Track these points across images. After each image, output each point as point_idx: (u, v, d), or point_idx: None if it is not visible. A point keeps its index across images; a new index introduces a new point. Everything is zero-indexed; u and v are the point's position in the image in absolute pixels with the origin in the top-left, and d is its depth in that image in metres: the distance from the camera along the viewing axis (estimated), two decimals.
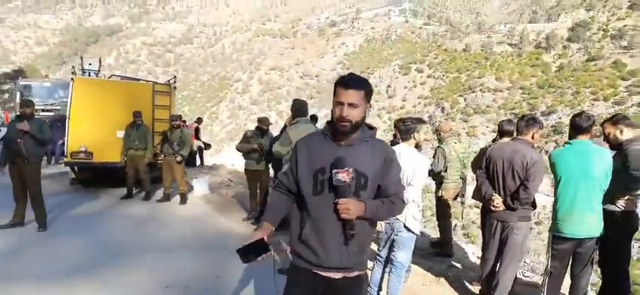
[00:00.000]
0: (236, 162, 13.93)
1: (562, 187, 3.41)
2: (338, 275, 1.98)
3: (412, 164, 3.54)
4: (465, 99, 65.37)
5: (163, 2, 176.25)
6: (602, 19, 67.75)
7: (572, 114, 3.78)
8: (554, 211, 3.48)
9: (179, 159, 8.20)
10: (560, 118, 48.44)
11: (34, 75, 46.07)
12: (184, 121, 15.03)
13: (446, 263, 5.50)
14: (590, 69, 56.77)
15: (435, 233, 6.89)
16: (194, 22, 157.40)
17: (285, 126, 5.80)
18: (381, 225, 3.68)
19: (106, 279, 4.26)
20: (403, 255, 3.63)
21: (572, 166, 3.36)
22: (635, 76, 49.88)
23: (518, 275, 4.60)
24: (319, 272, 1.99)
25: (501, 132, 4.26)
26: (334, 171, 1.84)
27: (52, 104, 15.55)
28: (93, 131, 8.84)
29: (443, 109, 65.21)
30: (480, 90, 65.30)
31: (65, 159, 8.97)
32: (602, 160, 3.30)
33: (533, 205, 3.71)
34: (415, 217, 3.58)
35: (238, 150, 7.08)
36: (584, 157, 3.33)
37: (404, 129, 3.71)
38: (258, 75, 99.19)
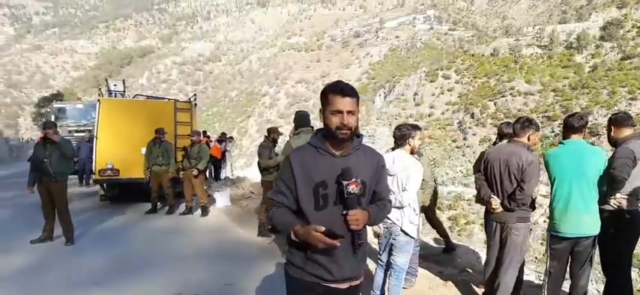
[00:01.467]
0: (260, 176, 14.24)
1: (556, 187, 3.42)
2: (345, 286, 2.00)
3: (407, 169, 3.61)
4: (495, 104, 64.04)
5: (192, 22, 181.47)
6: (636, 16, 65.33)
7: (609, 115, 3.76)
8: (551, 211, 3.48)
9: (195, 172, 8.43)
10: (596, 119, 46.84)
11: (71, 98, 48.25)
12: (208, 136, 15.49)
13: (458, 269, 5.49)
14: (625, 67, 54.70)
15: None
16: (222, 40, 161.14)
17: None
18: (379, 228, 3.75)
19: (122, 289, 4.48)
20: (402, 259, 3.69)
21: (566, 166, 3.36)
22: None
23: (525, 277, 4.56)
24: (328, 285, 1.98)
25: (501, 135, 4.27)
26: (345, 183, 1.83)
27: (85, 125, 16.28)
28: (119, 149, 9.25)
29: (472, 115, 64.08)
30: (511, 94, 63.88)
31: (93, 177, 9.40)
32: (596, 159, 3.29)
33: (532, 206, 3.71)
34: (412, 221, 3.64)
35: (264, 167, 6.88)
36: (578, 157, 3.33)
37: (399, 135, 3.79)
38: (285, 89, 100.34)
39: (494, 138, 4.92)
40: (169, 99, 10.64)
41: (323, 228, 1.82)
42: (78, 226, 6.93)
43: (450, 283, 4.59)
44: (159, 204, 9.10)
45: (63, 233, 6.31)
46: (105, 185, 9.91)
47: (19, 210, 8.60)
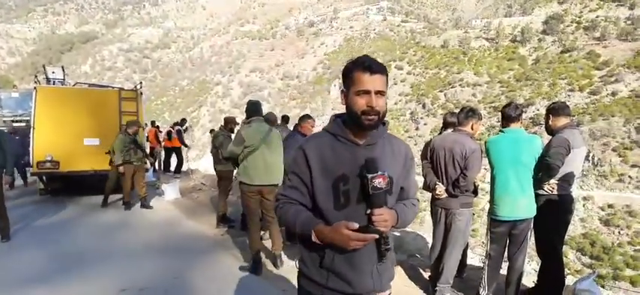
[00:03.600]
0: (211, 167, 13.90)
1: (496, 172, 3.59)
2: None
3: None
4: (445, 95, 66.23)
5: (138, 7, 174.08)
6: (575, 11, 69.40)
7: (547, 105, 3.90)
8: (491, 195, 3.65)
9: (148, 165, 8.15)
10: (537, 110, 49.48)
11: (7, 86, 45.10)
12: (157, 127, 14.96)
13: (407, 253, 5.64)
14: (565, 60, 58.15)
15: None
16: (171, 27, 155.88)
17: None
18: None
19: (63, 287, 4.26)
20: None
21: (504, 153, 3.53)
22: (609, 66, 51.25)
23: (469, 261, 4.77)
24: None
25: (445, 124, 4.42)
26: (370, 176, 1.51)
27: (21, 115, 15.29)
28: (59, 140, 8.76)
29: (424, 105, 66.01)
30: (460, 85, 66.27)
31: (31, 170, 8.85)
32: (532, 146, 3.49)
33: (475, 192, 3.87)
34: None
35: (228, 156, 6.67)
36: (515, 144, 3.50)
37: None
38: (239, 78, 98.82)
39: None
40: (114, 88, 10.17)
41: (356, 225, 1.49)
42: (15, 221, 6.53)
43: (398, 267, 4.71)
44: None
45: None
46: (44, 178, 9.37)
47: None
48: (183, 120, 15.02)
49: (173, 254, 5.45)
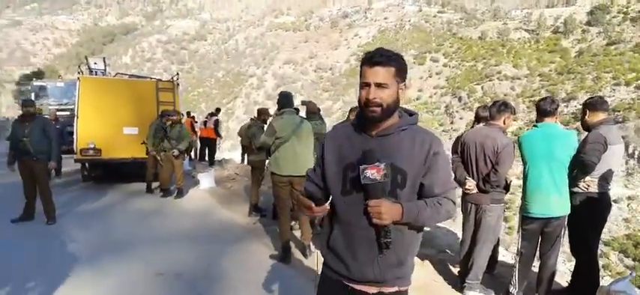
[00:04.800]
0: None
1: (528, 168, 3.52)
2: (373, 290, 1.71)
3: None
4: (482, 88, 64.59)
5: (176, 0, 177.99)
6: (622, 1, 66.01)
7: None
8: (523, 192, 3.59)
9: (175, 153, 8.38)
10: (580, 104, 47.67)
11: (53, 76, 47.28)
12: (193, 117, 15.33)
13: (437, 249, 5.61)
14: (610, 53, 55.49)
15: None
16: (207, 19, 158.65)
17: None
18: None
19: (104, 268, 4.50)
20: None
21: (537, 148, 3.46)
22: None
23: (501, 258, 4.70)
24: (350, 285, 1.73)
25: (478, 118, 4.35)
26: (361, 167, 1.56)
27: (66, 103, 16.00)
28: (100, 128, 9.15)
29: (460, 99, 64.59)
30: (498, 78, 64.45)
31: (75, 157, 9.30)
32: (567, 142, 3.39)
33: (506, 188, 3.80)
34: None
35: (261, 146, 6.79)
36: (549, 139, 3.42)
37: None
38: (273, 69, 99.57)
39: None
40: (152, 79, 10.51)
41: (308, 187, 1.77)
42: (60, 206, 6.90)
43: (427, 262, 4.70)
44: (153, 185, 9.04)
45: (44, 212, 6.27)
46: (87, 165, 9.82)
47: (1, 189, 8.49)
48: (218, 110, 15.32)
49: (207, 241, 5.63)
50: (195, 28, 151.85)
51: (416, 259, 4.80)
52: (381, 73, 1.60)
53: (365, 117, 1.66)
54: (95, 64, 11.04)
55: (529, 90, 59.40)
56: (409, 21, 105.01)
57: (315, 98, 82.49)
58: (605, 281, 3.85)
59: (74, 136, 9.15)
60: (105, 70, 11.36)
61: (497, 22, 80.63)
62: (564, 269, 4.92)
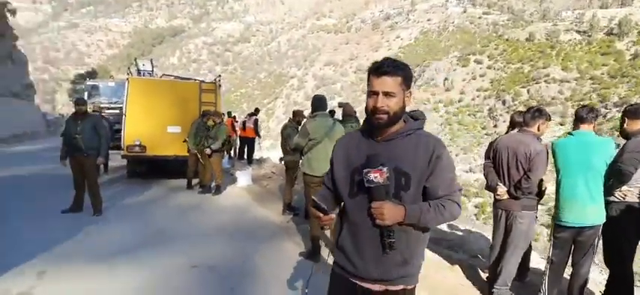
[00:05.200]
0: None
1: (562, 176, 3.44)
2: (378, 288, 1.77)
3: None
4: (528, 91, 62.42)
5: (222, 2, 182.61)
6: None
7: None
8: (556, 200, 3.51)
9: (208, 151, 8.62)
10: None
11: (105, 76, 49.71)
12: (234, 117, 15.72)
13: (469, 254, 5.54)
14: None
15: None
16: (251, 21, 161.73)
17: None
18: None
19: (145, 259, 4.75)
20: None
21: (572, 156, 3.37)
22: None
23: (534, 265, 4.59)
24: (357, 283, 1.80)
25: (512, 124, 4.27)
26: (365, 170, 1.64)
27: (116, 102, 16.81)
28: (146, 126, 9.60)
29: (504, 102, 62.64)
30: (545, 81, 62.09)
31: (122, 153, 9.79)
32: (603, 150, 3.29)
33: (539, 195, 3.73)
34: None
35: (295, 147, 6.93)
36: (584, 147, 3.33)
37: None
38: (313, 71, 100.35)
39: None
40: (195, 80, 10.91)
41: (316, 199, 1.80)
42: (106, 199, 7.32)
43: (456, 267, 4.67)
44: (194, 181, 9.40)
45: (92, 204, 6.67)
46: (132, 161, 10.31)
47: (52, 182, 9.07)
48: (257, 110, 15.64)
49: (241, 237, 5.81)
50: (240, 30, 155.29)
51: (445, 263, 4.79)
52: (388, 82, 1.68)
53: (372, 124, 1.74)
54: (143, 65, 11.59)
55: (578, 93, 56.84)
56: (453, 22, 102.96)
57: (355, 99, 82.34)
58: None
59: (121, 133, 9.64)
60: (152, 71, 11.89)
61: (547, 23, 77.55)
62: (601, 279, 4.73)
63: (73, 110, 6.80)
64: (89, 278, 4.14)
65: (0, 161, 11.96)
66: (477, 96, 70.25)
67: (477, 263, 5.02)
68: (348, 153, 1.84)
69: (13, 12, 36.14)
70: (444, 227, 7.08)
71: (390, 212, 1.63)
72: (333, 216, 1.78)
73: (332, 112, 5.09)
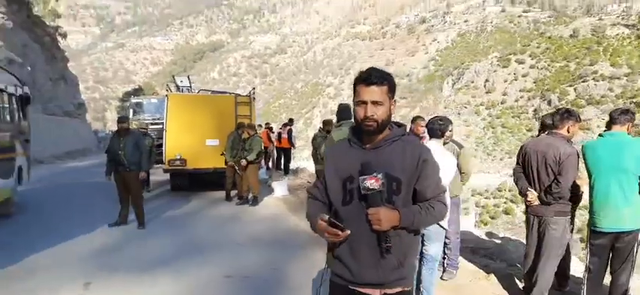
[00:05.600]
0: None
1: (594, 180, 3.32)
2: (376, 292, 1.81)
3: (441, 160, 3.66)
4: (575, 90, 59.93)
5: (258, 16, 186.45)
6: None
7: None
8: (590, 205, 3.39)
9: (243, 163, 8.82)
10: None
11: (150, 92, 51.76)
12: (270, 128, 16.01)
13: (507, 263, 5.41)
14: None
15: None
16: (287, 32, 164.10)
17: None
18: None
19: (184, 269, 4.94)
20: (434, 248, 3.76)
21: (604, 158, 3.26)
22: None
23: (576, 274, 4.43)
24: (356, 289, 1.83)
25: (543, 127, 4.17)
26: (361, 178, 1.69)
27: (158, 118, 17.52)
28: (186, 140, 9.96)
29: (549, 102, 60.30)
30: (593, 78, 59.44)
31: (164, 167, 10.20)
32: (636, 150, 3.16)
33: (574, 199, 3.62)
34: None
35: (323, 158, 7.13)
36: (616, 149, 3.21)
37: (432, 127, 3.84)
38: (349, 79, 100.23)
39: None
40: (230, 94, 11.23)
41: (327, 216, 1.76)
42: (150, 212, 7.67)
43: (492, 276, 4.57)
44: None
45: (136, 218, 7.00)
46: (174, 174, 10.71)
47: (101, 196, 9.57)
48: (291, 120, 15.84)
49: (275, 246, 5.94)
50: (276, 42, 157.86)
51: (481, 272, 4.70)
52: (376, 92, 1.74)
53: (362, 132, 1.81)
54: (181, 81, 12.07)
55: (631, 90, 54.03)
56: (491, 22, 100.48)
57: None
58: None
59: (163, 148, 10.05)
60: (190, 86, 12.35)
61: (592, 18, 74.24)
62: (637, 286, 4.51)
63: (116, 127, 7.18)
64: (131, 289, 4.36)
65: (53, 176, 12.74)
66: (521, 98, 68.15)
67: (515, 271, 4.88)
68: (337, 163, 1.88)
69: (64, 35, 38.48)
70: (482, 235, 6.95)
71: (386, 217, 1.68)
72: (349, 232, 1.75)
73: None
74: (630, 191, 3.18)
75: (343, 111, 4.97)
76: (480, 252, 5.86)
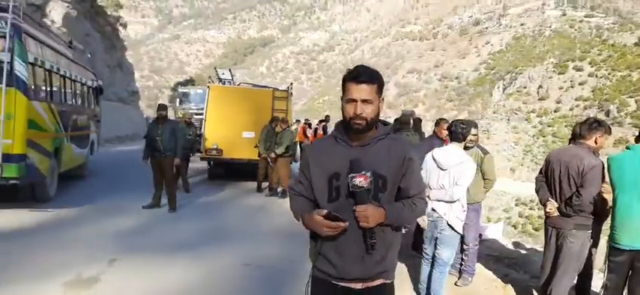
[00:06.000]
0: None
1: (617, 194, 3.14)
2: (359, 286, 1.85)
3: (461, 164, 3.60)
4: (636, 101, 56.18)
5: (309, 13, 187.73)
6: None
7: None
8: (612, 220, 3.22)
9: (272, 155, 8.97)
10: None
11: (202, 84, 53.48)
12: (308, 123, 16.19)
13: (530, 274, 5.21)
14: None
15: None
16: (337, 30, 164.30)
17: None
18: (424, 220, 3.77)
19: (204, 254, 5.12)
20: (446, 252, 3.70)
21: (628, 172, 3.07)
22: None
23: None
24: (339, 283, 1.86)
25: (574, 136, 3.97)
26: (350, 175, 1.69)
27: (202, 108, 18.10)
28: (223, 131, 10.27)
29: (608, 113, 56.85)
30: None
31: (201, 155, 10.55)
32: None
33: (600, 214, 3.44)
34: (458, 216, 3.63)
35: None
36: None
37: (454, 130, 3.77)
38: (395, 79, 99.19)
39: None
40: (269, 88, 11.44)
41: (325, 211, 1.74)
42: (183, 198, 7.99)
43: (509, 286, 4.44)
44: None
45: (168, 201, 7.30)
46: (211, 163, 11.07)
47: (140, 179, 10.02)
48: (327, 117, 15.94)
49: (295, 239, 5.95)
50: (325, 39, 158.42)
51: (499, 281, 4.57)
52: (366, 90, 1.75)
53: (351, 130, 1.79)
54: (223, 74, 12.42)
55: None
56: (550, 26, 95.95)
57: (439, 108, 79.97)
58: None
59: (202, 137, 10.41)
60: (232, 79, 12.69)
61: None
62: None
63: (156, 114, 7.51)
64: (152, 268, 4.58)
65: (101, 158, 13.38)
66: (576, 107, 64.69)
67: (535, 284, 4.70)
68: (323, 159, 1.87)
69: (125, 25, 40.55)
70: (508, 245, 6.73)
71: (373, 214, 1.70)
72: (348, 223, 1.74)
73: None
74: None
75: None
76: (504, 261, 5.68)
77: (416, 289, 4.25)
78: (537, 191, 3.73)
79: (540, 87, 70.59)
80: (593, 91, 64.16)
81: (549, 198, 3.55)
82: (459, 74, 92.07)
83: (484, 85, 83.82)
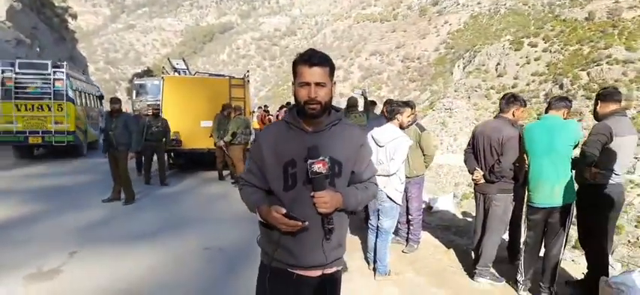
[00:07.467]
0: None
1: (530, 159, 3.55)
2: (317, 273, 1.84)
3: (395, 141, 3.90)
4: (588, 74, 58.95)
5: None
6: None
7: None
8: (527, 182, 3.62)
9: (221, 143, 9.10)
10: None
11: (158, 74, 52.12)
12: (267, 111, 16.29)
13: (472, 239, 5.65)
14: None
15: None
16: (297, 14, 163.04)
17: None
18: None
19: (162, 241, 5.27)
20: (388, 222, 4.02)
21: (538, 140, 3.48)
22: None
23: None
24: (295, 272, 1.83)
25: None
26: (309, 162, 1.66)
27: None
28: (181, 122, 10.25)
29: (561, 86, 59.51)
30: (607, 62, 58.38)
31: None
32: (566, 133, 3.37)
33: (515, 179, 3.84)
34: (397, 189, 3.94)
35: None
36: (549, 131, 3.43)
37: (389, 110, 4.08)
38: (359, 61, 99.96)
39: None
40: (225, 77, 11.48)
41: (283, 210, 1.69)
42: (143, 189, 8.01)
43: (451, 250, 4.83)
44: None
45: (124, 194, 7.34)
46: (172, 154, 11.06)
47: (100, 174, 9.95)
48: (288, 103, 16.04)
49: (255, 223, 6.18)
50: (286, 24, 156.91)
51: (442, 247, 4.96)
52: (319, 73, 1.72)
53: (305, 114, 1.76)
54: (177, 64, 12.32)
55: None
56: (505, 5, 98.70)
57: (402, 88, 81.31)
58: (614, 273, 3.73)
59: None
60: (187, 69, 12.61)
61: (608, 0, 72.62)
62: (577, 259, 4.74)
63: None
64: (113, 257, 4.69)
65: (58, 155, 13.09)
66: (532, 82, 67.26)
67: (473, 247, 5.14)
68: (276, 146, 1.82)
69: (74, 16, 39.03)
70: (458, 214, 7.18)
71: (331, 200, 1.70)
72: (307, 223, 1.72)
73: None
74: (562, 169, 3.39)
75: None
76: (452, 230, 6.11)
77: (365, 258, 4.58)
78: (465, 161, 4.10)
79: (498, 64, 72.85)
80: (547, 66, 66.84)
81: (476, 167, 3.92)
82: (420, 54, 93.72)
83: (445, 65, 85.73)
